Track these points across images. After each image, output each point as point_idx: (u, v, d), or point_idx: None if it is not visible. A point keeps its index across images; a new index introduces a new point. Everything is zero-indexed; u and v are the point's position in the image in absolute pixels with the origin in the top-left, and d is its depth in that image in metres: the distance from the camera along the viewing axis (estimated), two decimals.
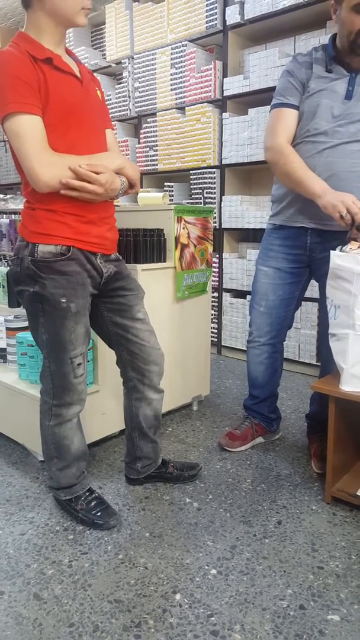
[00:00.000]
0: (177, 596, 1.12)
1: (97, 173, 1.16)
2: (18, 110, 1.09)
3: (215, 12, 2.80)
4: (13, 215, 2.31)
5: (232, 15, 2.74)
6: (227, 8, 2.77)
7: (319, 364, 1.85)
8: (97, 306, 1.36)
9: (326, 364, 1.72)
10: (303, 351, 2.71)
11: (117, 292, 1.35)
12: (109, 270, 1.32)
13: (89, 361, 1.71)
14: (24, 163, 1.12)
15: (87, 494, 1.40)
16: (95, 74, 1.43)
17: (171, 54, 3.04)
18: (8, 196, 2.65)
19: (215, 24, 2.81)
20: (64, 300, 1.22)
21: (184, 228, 1.96)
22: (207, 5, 2.83)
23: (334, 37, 1.53)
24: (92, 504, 1.38)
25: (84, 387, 1.35)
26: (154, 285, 1.88)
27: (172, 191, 3.20)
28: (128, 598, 1.12)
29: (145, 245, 1.84)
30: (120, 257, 1.39)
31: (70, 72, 1.20)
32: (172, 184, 3.20)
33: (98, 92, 1.29)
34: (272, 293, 1.70)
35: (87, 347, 1.34)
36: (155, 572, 1.20)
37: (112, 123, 1.41)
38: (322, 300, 1.65)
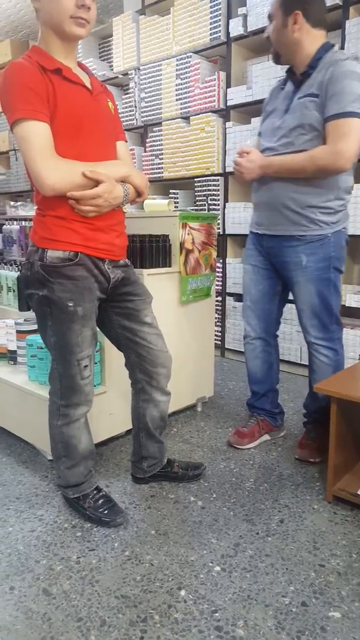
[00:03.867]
0: (182, 592, 1.15)
1: (98, 181, 1.19)
2: (26, 116, 1.13)
3: (219, 25, 2.87)
4: (23, 222, 2.37)
5: (236, 28, 2.81)
6: (230, 20, 2.83)
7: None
8: (106, 310, 1.40)
9: (309, 371, 1.79)
10: (304, 354, 2.73)
11: (125, 297, 1.39)
12: (117, 275, 1.36)
13: (96, 363, 1.75)
14: (30, 167, 1.16)
15: (95, 492, 1.43)
16: None
17: (176, 65, 3.11)
18: (18, 203, 2.71)
19: (219, 35, 2.88)
20: (71, 304, 1.26)
21: (188, 234, 2.01)
22: (211, 18, 2.90)
23: None
24: (100, 502, 1.41)
25: (91, 388, 1.39)
26: (160, 289, 1.92)
27: (177, 198, 3.26)
28: (134, 594, 1.15)
29: (151, 250, 1.89)
30: (129, 263, 1.43)
31: (80, 82, 1.24)
32: (177, 191, 3.26)
33: (110, 104, 1.34)
34: (253, 287, 1.83)
35: (94, 349, 1.38)
36: (161, 568, 1.23)
37: None
38: (297, 304, 1.74)
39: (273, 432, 1.95)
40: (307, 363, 2.69)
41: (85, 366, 1.33)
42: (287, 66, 1.66)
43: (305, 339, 1.75)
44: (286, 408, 2.27)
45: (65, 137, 1.19)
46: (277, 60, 1.65)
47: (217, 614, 1.09)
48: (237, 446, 1.86)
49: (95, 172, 1.20)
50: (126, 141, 1.43)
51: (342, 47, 2.41)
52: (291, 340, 2.77)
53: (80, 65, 1.31)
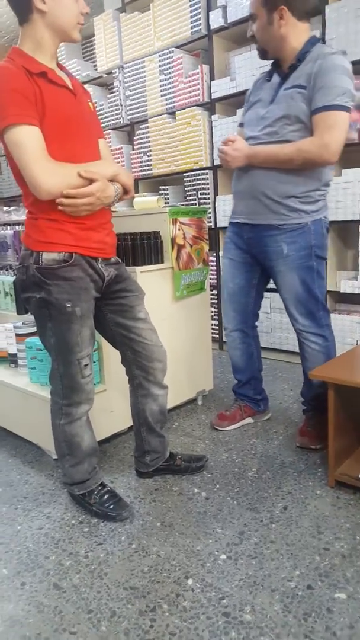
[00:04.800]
0: (189, 581, 1.17)
1: (92, 180, 1.21)
2: (17, 122, 1.14)
3: (200, 17, 2.86)
4: (17, 227, 2.38)
5: (216, 20, 2.81)
6: (210, 12, 2.83)
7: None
8: (100, 308, 1.41)
9: (301, 358, 1.82)
10: None
11: (119, 293, 1.41)
12: (110, 273, 1.37)
13: (94, 362, 1.77)
14: (26, 172, 1.17)
15: (100, 488, 1.46)
16: (87, 85, 1.50)
17: (159, 61, 3.10)
18: (11, 208, 2.72)
19: (200, 28, 2.88)
20: (69, 305, 1.27)
21: (179, 229, 2.02)
22: (191, 11, 2.90)
23: None
24: (105, 497, 1.43)
25: (92, 386, 1.41)
26: (154, 285, 1.94)
27: (168, 194, 3.26)
28: (142, 584, 1.17)
29: (143, 247, 1.90)
30: (120, 260, 1.45)
31: (64, 85, 1.26)
32: (167, 187, 3.26)
33: (90, 103, 1.35)
34: (230, 281, 1.86)
35: (93, 348, 1.40)
36: (168, 559, 1.25)
37: (106, 132, 1.47)
38: (281, 293, 1.76)
39: (256, 416, 2.02)
40: None
41: (86, 365, 1.35)
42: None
43: (294, 327, 1.78)
44: (286, 397, 2.29)
45: (54, 139, 1.20)
46: (264, 56, 1.66)
47: (224, 601, 1.11)
48: (218, 427, 1.96)
49: (90, 171, 1.21)
50: (106, 139, 1.45)
51: (322, 33, 2.41)
52: (289, 330, 2.78)
53: (59, 66, 1.32)
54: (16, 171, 1.23)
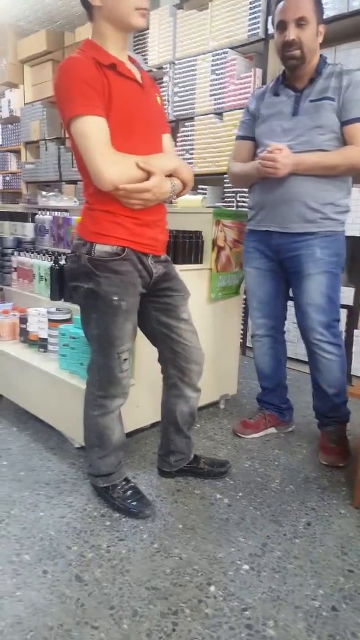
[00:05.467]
0: (212, 588, 1.16)
1: (149, 172, 1.20)
2: (84, 112, 1.14)
3: (258, 21, 2.84)
4: (55, 212, 2.38)
5: None
6: (269, 17, 2.80)
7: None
8: (145, 305, 1.40)
9: (312, 371, 1.81)
10: None
11: (165, 292, 1.40)
12: (159, 270, 1.36)
13: None
14: (89, 162, 1.16)
15: (124, 482, 1.44)
16: None
17: (212, 60, 3.09)
18: (50, 194, 2.72)
19: (257, 32, 2.85)
20: (116, 298, 1.26)
21: (221, 231, 2.00)
22: (249, 14, 2.87)
23: None
24: (128, 492, 1.42)
25: (128, 381, 1.40)
26: (190, 285, 1.88)
27: (206, 194, 3.24)
28: (164, 586, 1.15)
29: (184, 246, 1.89)
30: (169, 259, 1.43)
31: (133, 77, 1.25)
32: (206, 186, 3.25)
33: (158, 98, 1.34)
34: (258, 290, 1.87)
35: (133, 343, 1.39)
36: (190, 563, 1.23)
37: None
38: (295, 304, 1.78)
39: (280, 427, 2.00)
40: None
41: (125, 359, 1.34)
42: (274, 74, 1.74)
43: (308, 338, 1.75)
44: (310, 410, 2.23)
45: (118, 132, 1.20)
46: (300, 65, 1.61)
47: (247, 612, 1.09)
48: (240, 435, 1.93)
49: (149, 163, 1.20)
50: (170, 133, 1.43)
51: None
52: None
53: (130, 59, 1.31)
54: (80, 160, 1.22)
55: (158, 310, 1.41)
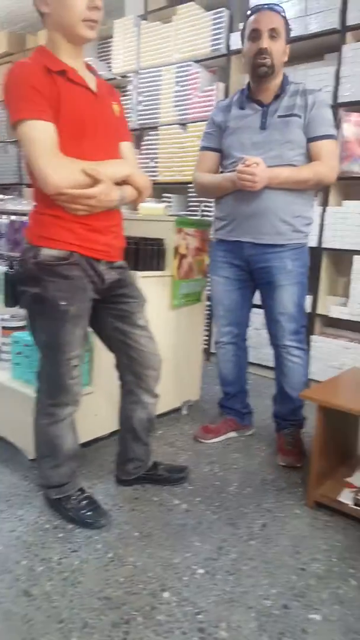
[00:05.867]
0: (165, 594, 1.15)
1: (96, 179, 1.19)
2: (30, 116, 1.14)
3: (221, 37, 2.92)
4: (12, 216, 2.34)
5: (237, 41, 2.85)
6: (231, 34, 2.88)
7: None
8: (100, 311, 1.40)
9: (276, 374, 1.88)
10: None
11: (120, 298, 1.39)
12: (112, 277, 1.36)
13: (85, 363, 1.74)
14: (35, 166, 1.16)
15: (78, 493, 1.42)
16: None
17: (176, 72, 3.14)
18: (8, 197, 2.68)
19: (220, 47, 2.93)
20: (63, 303, 1.25)
21: (183, 239, 2.03)
22: (212, 30, 2.95)
23: (249, 82, 1.75)
24: (83, 503, 1.40)
25: (79, 388, 1.38)
26: (152, 292, 1.92)
27: (170, 202, 3.27)
28: (117, 595, 1.14)
29: (145, 253, 1.90)
30: (126, 265, 1.43)
31: (84, 84, 1.25)
32: (171, 195, 3.28)
33: (116, 106, 1.34)
34: (226, 298, 1.89)
35: (84, 349, 1.38)
36: (144, 570, 1.23)
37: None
38: (265, 310, 1.85)
39: (240, 431, 2.04)
40: None
41: (75, 366, 1.32)
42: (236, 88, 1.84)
43: (277, 343, 1.83)
44: (269, 414, 2.28)
45: (68, 138, 1.20)
46: (267, 76, 1.65)
47: (200, 616, 1.09)
48: (201, 440, 1.96)
49: (96, 170, 1.19)
50: (132, 142, 1.44)
51: (337, 70, 2.49)
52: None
53: (88, 66, 1.32)
54: (28, 166, 1.22)
55: (113, 317, 1.41)
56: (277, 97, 1.70)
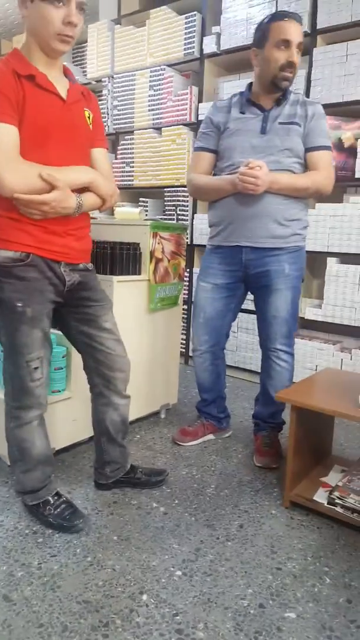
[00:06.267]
0: (144, 597, 1.17)
1: (53, 185, 1.19)
2: None
3: (194, 41, 2.95)
4: None
5: (209, 45, 2.90)
6: (204, 38, 2.92)
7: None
8: (66, 315, 1.40)
9: (262, 377, 1.90)
10: None
11: (84, 302, 1.39)
12: (74, 279, 1.34)
13: (62, 368, 1.74)
14: None
15: (55, 498, 1.42)
16: None
17: (150, 76, 3.16)
18: None
19: (193, 51, 2.96)
20: (20, 305, 1.26)
21: (159, 243, 2.04)
22: (185, 34, 2.98)
23: (250, 84, 1.79)
24: (61, 508, 1.40)
25: (42, 391, 1.36)
26: (129, 296, 1.94)
27: (147, 206, 3.29)
28: (96, 599, 1.15)
29: (121, 257, 1.91)
30: (91, 268, 1.42)
31: (53, 90, 1.24)
32: (147, 199, 3.30)
33: (88, 112, 1.34)
34: (209, 306, 1.88)
35: (48, 352, 1.36)
36: (123, 573, 1.24)
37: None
38: (257, 315, 1.87)
39: (218, 433, 2.06)
40: None
41: (36, 368, 1.31)
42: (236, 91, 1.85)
43: (267, 346, 1.84)
44: (246, 415, 2.34)
45: (31, 143, 1.20)
46: (287, 88, 1.69)
47: (178, 617, 1.11)
48: (179, 443, 1.98)
49: (52, 176, 1.19)
50: (107, 149, 1.43)
51: (308, 72, 2.55)
52: (253, 350, 2.86)
53: (66, 71, 1.31)
54: None
55: (78, 321, 1.41)
56: (278, 103, 1.72)
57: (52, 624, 1.07)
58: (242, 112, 1.75)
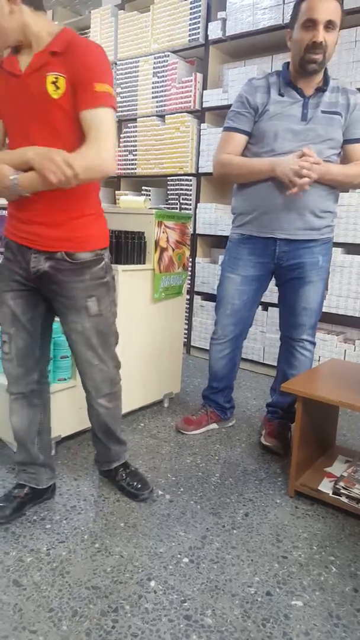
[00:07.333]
0: (152, 583, 1.18)
1: None
2: None
3: (198, 27, 2.90)
4: None
5: (214, 31, 2.85)
6: (209, 23, 2.88)
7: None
8: (44, 303, 1.38)
9: (282, 367, 1.90)
10: (267, 354, 2.84)
11: (52, 295, 1.32)
12: (39, 266, 1.26)
13: (67, 357, 1.73)
14: None
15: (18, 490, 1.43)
16: None
17: (154, 62, 3.11)
18: None
19: (198, 37, 2.92)
20: None
21: (163, 232, 2.03)
22: (190, 19, 2.93)
23: (287, 64, 1.69)
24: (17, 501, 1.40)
25: (11, 366, 1.34)
26: (133, 285, 1.93)
27: (150, 195, 3.26)
28: (105, 584, 1.16)
29: (127, 246, 1.89)
30: (71, 260, 1.27)
31: (7, 68, 1.20)
32: (150, 188, 3.27)
33: (55, 75, 1.15)
34: (237, 298, 1.84)
35: (24, 334, 1.33)
36: (131, 560, 1.25)
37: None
38: (282, 306, 1.85)
39: (221, 423, 2.06)
40: (270, 363, 2.82)
41: (4, 342, 1.34)
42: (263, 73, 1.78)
43: (292, 337, 1.83)
44: (249, 405, 2.35)
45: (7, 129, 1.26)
46: (318, 71, 1.60)
47: (186, 604, 1.12)
48: (183, 431, 1.97)
49: None
50: (99, 105, 1.15)
51: None
52: (255, 340, 2.86)
53: (59, 33, 1.20)
54: None
55: (55, 312, 1.38)
56: (319, 89, 1.63)
57: (62, 608, 1.08)
58: (281, 95, 1.65)
